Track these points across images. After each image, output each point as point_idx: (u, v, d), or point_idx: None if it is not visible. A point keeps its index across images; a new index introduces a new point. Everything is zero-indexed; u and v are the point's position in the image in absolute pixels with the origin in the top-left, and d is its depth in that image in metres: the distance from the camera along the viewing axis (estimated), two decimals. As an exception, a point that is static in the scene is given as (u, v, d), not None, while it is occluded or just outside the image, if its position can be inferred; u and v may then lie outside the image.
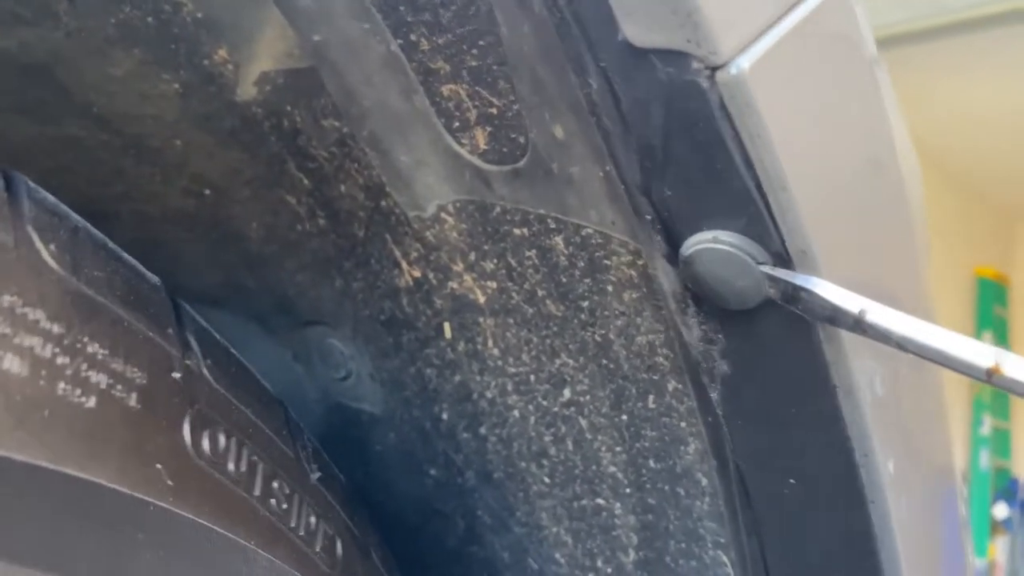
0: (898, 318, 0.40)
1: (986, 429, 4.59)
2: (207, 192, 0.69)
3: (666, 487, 0.60)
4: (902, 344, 0.40)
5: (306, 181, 0.65)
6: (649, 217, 0.46)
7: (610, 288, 0.55)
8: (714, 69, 0.38)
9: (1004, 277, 4.95)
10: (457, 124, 0.54)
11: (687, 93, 0.39)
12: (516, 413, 0.66)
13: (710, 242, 0.43)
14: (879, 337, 0.40)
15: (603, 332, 0.58)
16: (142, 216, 0.74)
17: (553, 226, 0.55)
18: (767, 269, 0.42)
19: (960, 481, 0.73)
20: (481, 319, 0.64)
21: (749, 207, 0.41)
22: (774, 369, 0.47)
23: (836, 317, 0.42)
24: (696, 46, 0.38)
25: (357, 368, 0.75)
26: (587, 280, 0.56)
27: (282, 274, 0.73)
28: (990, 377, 0.37)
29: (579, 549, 0.68)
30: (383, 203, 0.63)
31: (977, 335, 4.69)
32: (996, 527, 4.57)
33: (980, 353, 0.38)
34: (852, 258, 0.47)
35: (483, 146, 0.54)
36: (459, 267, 0.63)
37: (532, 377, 0.64)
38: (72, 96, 0.63)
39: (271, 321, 0.79)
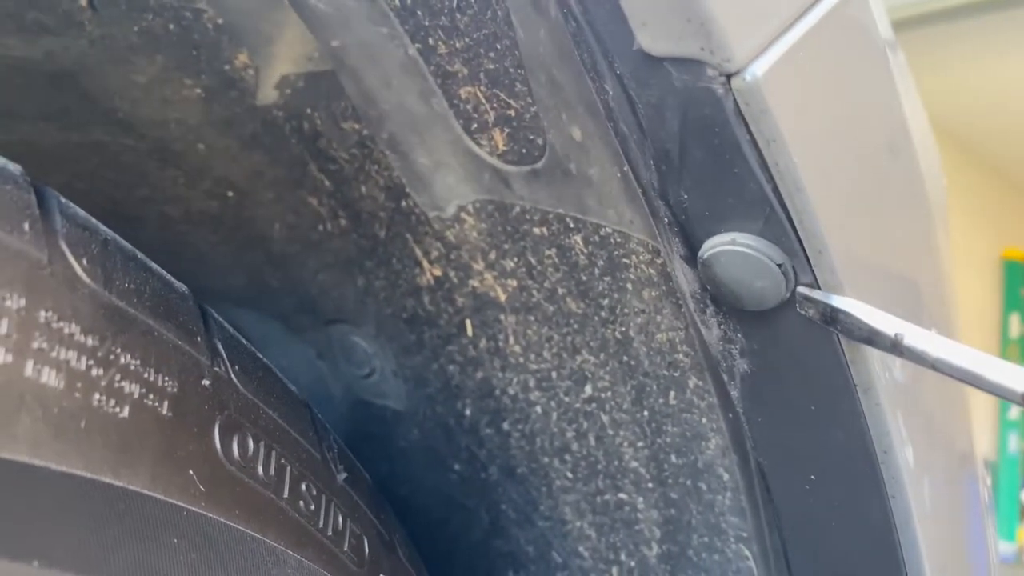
0: (935, 341, 0.40)
1: (1014, 413, 4.54)
2: (230, 194, 0.70)
3: (688, 482, 0.61)
4: (937, 366, 0.40)
5: (327, 183, 0.66)
6: (667, 219, 0.46)
7: (629, 286, 0.56)
8: (729, 76, 0.39)
9: (1031, 259, 4.88)
10: (475, 126, 0.55)
11: (702, 100, 0.39)
12: (538, 409, 0.67)
13: (728, 244, 0.43)
14: (915, 359, 0.41)
15: (623, 329, 0.58)
16: (167, 218, 0.75)
17: (572, 225, 0.56)
18: (804, 290, 0.43)
19: (982, 467, 0.72)
20: (502, 316, 0.65)
21: (766, 209, 0.42)
22: (793, 368, 0.47)
23: (874, 339, 0.42)
24: (710, 54, 0.38)
25: (380, 365, 0.76)
26: (607, 278, 0.57)
27: (305, 274, 0.74)
28: (1026, 401, 0.37)
29: (603, 543, 0.68)
30: (403, 204, 0.64)
31: (1004, 318, 4.64)
32: (1025, 510, 4.53)
33: (1015, 376, 0.38)
34: (870, 256, 0.47)
35: (502, 147, 0.55)
36: (479, 266, 0.63)
37: (554, 374, 0.65)
38: (96, 103, 0.64)
39: (295, 320, 0.80)
